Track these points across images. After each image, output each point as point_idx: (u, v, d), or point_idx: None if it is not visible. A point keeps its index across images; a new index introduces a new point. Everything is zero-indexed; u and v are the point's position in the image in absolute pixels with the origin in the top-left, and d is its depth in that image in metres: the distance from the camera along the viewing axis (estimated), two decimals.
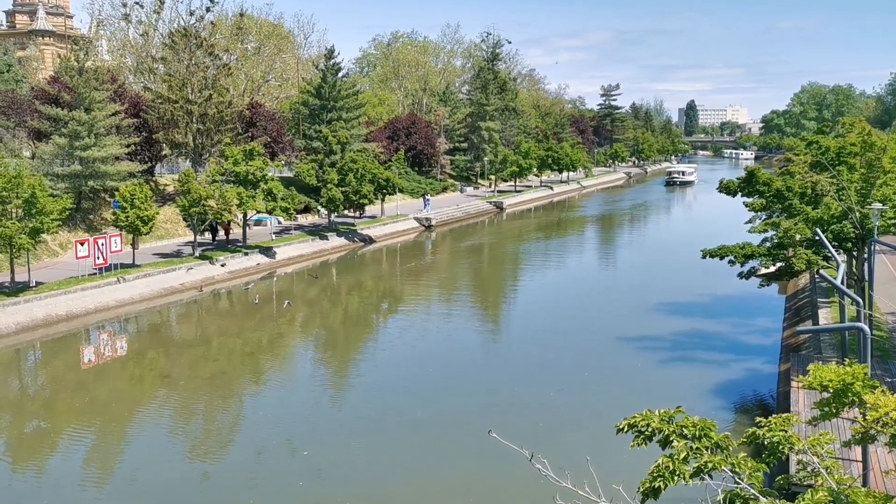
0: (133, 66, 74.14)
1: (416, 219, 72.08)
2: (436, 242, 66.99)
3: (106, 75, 54.00)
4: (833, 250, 24.47)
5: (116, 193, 44.47)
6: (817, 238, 26.20)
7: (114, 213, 43.62)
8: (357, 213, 65.87)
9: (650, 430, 7.07)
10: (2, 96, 56.57)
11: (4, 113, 55.13)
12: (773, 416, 8.15)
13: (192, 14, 64.98)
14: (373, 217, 68.50)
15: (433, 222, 72.55)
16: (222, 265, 47.30)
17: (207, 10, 65.98)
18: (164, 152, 61.82)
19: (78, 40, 77.92)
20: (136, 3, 71.04)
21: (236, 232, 53.80)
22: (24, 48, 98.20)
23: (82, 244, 39.96)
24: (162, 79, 61.08)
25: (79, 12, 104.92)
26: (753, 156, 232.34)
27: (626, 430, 7.23)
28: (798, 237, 28.55)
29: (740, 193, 32.03)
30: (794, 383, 23.37)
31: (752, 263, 31.26)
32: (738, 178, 32.21)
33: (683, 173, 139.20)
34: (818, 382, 11.07)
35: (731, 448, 7.06)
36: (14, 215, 35.45)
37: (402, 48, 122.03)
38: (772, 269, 32.03)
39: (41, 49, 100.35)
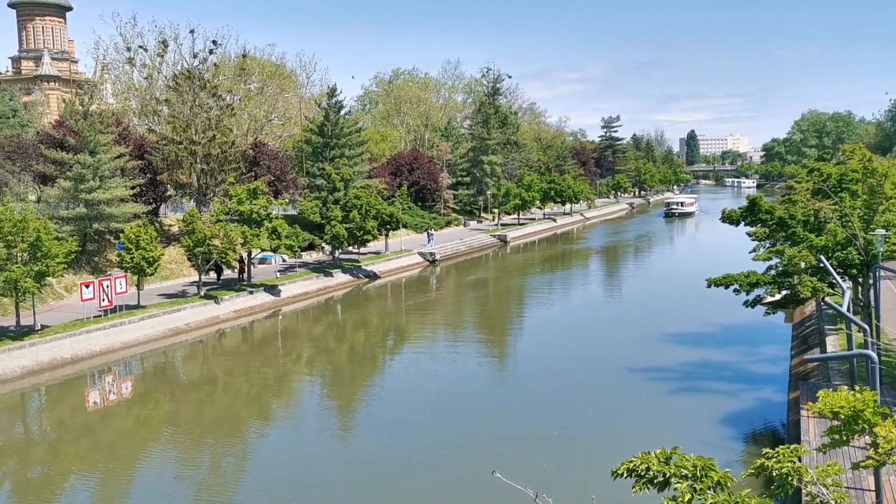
0: (137, 109, 74.99)
1: (421, 253, 72.17)
2: (440, 277, 66.98)
3: (111, 118, 54.57)
4: (838, 277, 24.44)
5: (121, 235, 44.66)
6: (822, 265, 26.16)
7: (118, 255, 43.76)
8: (359, 249, 65.94)
9: (650, 473, 6.97)
10: (7, 141, 57.12)
11: (10, 158, 55.62)
12: (781, 446, 8.08)
13: (195, 56, 65.83)
14: (377, 252, 68.62)
15: (437, 257, 72.62)
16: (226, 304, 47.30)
17: (210, 52, 66.88)
18: (168, 193, 62.20)
19: (83, 84, 78.87)
20: (140, 47, 72.13)
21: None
22: (30, 93, 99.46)
23: (87, 286, 40.04)
24: (166, 120, 61.72)
25: (83, 57, 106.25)
26: (755, 184, 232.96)
27: (624, 475, 7.15)
28: (802, 265, 28.52)
29: (743, 223, 32.05)
30: (803, 411, 23.16)
31: (757, 292, 31.21)
32: (740, 208, 32.27)
33: (683, 204, 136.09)
34: (828, 409, 10.99)
35: (732, 485, 6.96)
36: (19, 259, 35.56)
37: (403, 85, 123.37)
38: (777, 297, 31.97)
39: (46, 94, 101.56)
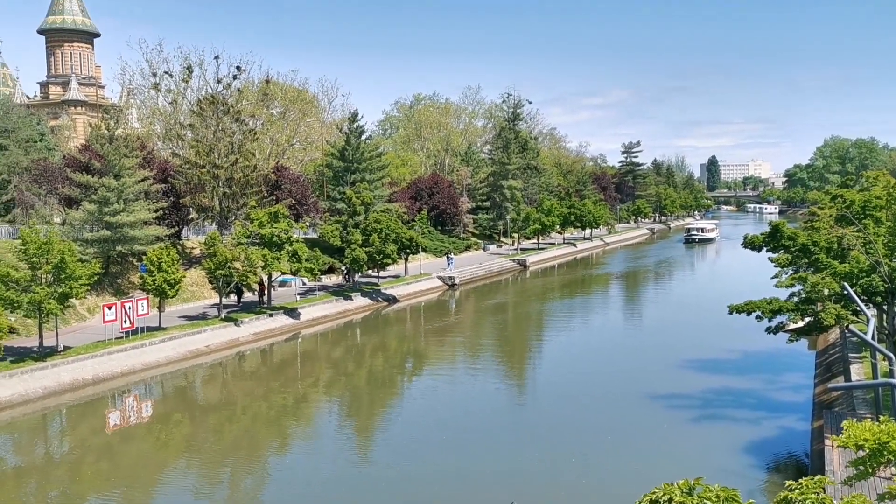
0: (162, 133, 75.98)
1: (440, 277, 72.18)
2: (459, 301, 66.89)
3: (135, 142, 55.34)
4: (862, 305, 24.12)
5: (144, 257, 45.10)
6: (846, 292, 25.86)
7: (141, 277, 44.16)
8: (379, 272, 66.00)
9: None
10: (35, 165, 58.08)
11: (37, 181, 56.54)
12: (805, 478, 7.96)
13: (219, 82, 66.75)
14: (396, 276, 68.71)
15: (456, 281, 72.59)
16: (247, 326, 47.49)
17: (234, 77, 67.81)
18: (190, 216, 62.79)
19: (109, 109, 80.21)
20: (166, 72, 73.25)
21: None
22: (57, 118, 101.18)
23: (109, 308, 40.40)
24: (190, 144, 62.47)
25: (110, 82, 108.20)
26: (777, 210, 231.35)
27: None
28: (826, 292, 28.19)
29: (765, 248, 31.78)
30: (827, 441, 22.81)
31: (779, 318, 30.85)
32: (762, 234, 32.03)
33: (703, 230, 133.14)
34: (853, 442, 10.82)
35: None
36: (44, 280, 35.99)
37: (424, 110, 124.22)
38: (800, 323, 31.56)
39: (73, 118, 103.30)
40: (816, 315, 28.88)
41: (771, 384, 35.48)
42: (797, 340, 33.28)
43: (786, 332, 31.92)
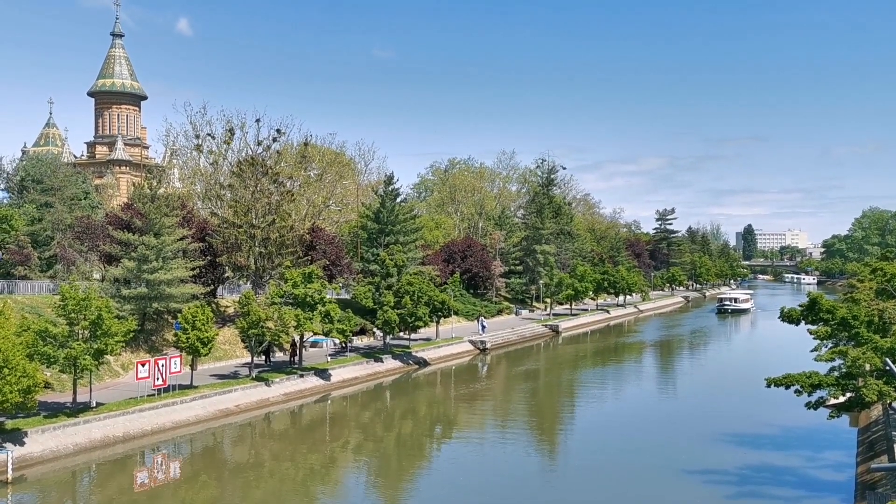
0: (202, 193, 77.50)
1: (471, 341, 71.76)
2: (491, 366, 66.29)
3: (176, 202, 56.50)
4: None
5: (179, 315, 45.54)
6: (888, 368, 25.19)
7: (175, 335, 44.54)
8: (410, 335, 65.82)
9: None
10: (78, 222, 59.46)
11: (79, 238, 57.80)
12: None
13: (259, 144, 68.24)
14: (428, 339, 68.45)
15: (488, 345, 72.09)
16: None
17: (274, 140, 69.26)
18: (226, 274, 63.51)
19: (152, 169, 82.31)
20: (209, 134, 75.06)
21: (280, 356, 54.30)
22: (102, 176, 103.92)
23: (143, 365, 40.74)
24: (228, 204, 63.57)
25: (154, 143, 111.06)
26: (816, 281, 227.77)
27: None
28: (867, 367, 27.51)
29: (804, 321, 31.21)
30: None
31: (819, 393, 30.07)
32: (800, 306, 31.52)
33: (736, 300, 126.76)
34: None
35: None
36: (80, 336, 36.47)
37: (458, 174, 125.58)
38: (841, 399, 30.70)
39: (117, 177, 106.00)
40: (858, 391, 28.13)
41: (811, 461, 34.37)
42: (838, 416, 32.37)
43: (826, 407, 31.04)
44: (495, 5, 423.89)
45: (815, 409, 30.72)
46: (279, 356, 53.23)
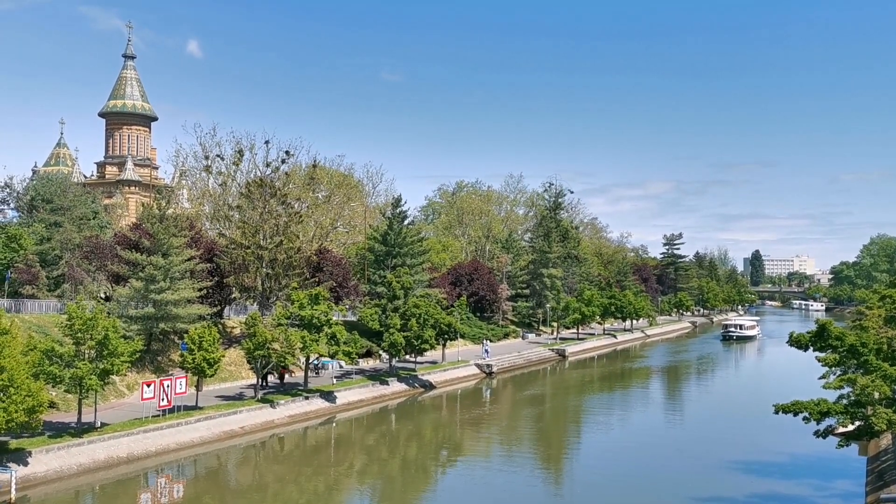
0: (210, 214, 77.68)
1: (478, 365, 71.47)
2: (496, 390, 65.97)
3: (185, 222, 56.67)
4: None
5: (185, 336, 45.54)
6: None
7: (181, 355, 44.51)
8: (416, 358, 65.59)
9: None
10: (87, 242, 59.69)
11: (87, 257, 58.00)
12: None
13: (268, 165, 68.56)
14: (433, 362, 68.22)
15: (494, 369, 71.78)
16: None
17: (283, 161, 69.54)
18: (233, 295, 63.53)
19: (161, 189, 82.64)
20: (218, 155, 75.43)
21: (297, 375, 54.19)
22: (112, 196, 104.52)
23: (148, 385, 40.71)
24: (236, 225, 63.78)
25: (164, 164, 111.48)
26: (824, 307, 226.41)
27: None
28: (877, 395, 27.27)
29: (812, 348, 30.99)
30: None
31: (828, 421, 29.79)
32: (808, 332, 31.31)
33: (741, 327, 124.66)
34: None
35: None
36: (86, 356, 36.47)
37: (466, 197, 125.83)
38: (850, 427, 30.40)
39: (127, 197, 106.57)
40: (867, 419, 27.87)
41: (820, 490, 34.00)
42: (847, 445, 32.02)
43: (835, 435, 30.74)
44: (504, 31, 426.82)
45: (825, 437, 30.41)
46: (297, 375, 53.00)
